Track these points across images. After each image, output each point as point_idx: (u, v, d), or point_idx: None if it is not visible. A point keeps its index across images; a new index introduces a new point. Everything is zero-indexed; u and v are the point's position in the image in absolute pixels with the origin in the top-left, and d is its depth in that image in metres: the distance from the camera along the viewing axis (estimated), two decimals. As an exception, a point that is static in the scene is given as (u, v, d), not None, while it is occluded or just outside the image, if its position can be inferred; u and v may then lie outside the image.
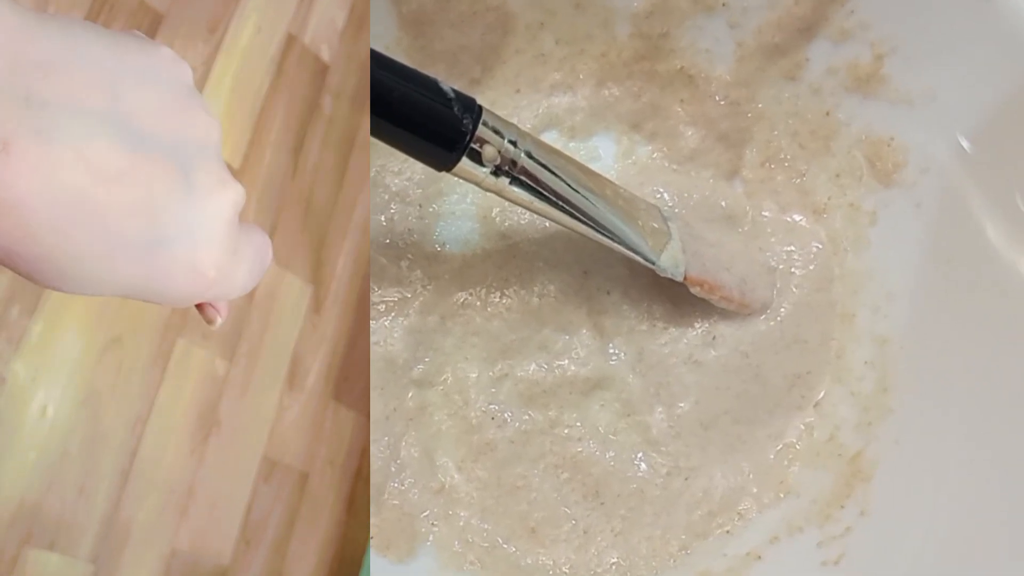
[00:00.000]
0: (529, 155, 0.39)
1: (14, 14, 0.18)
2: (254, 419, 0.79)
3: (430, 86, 0.37)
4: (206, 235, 0.22)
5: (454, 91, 0.37)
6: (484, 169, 0.38)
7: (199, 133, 0.22)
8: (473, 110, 0.38)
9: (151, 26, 0.73)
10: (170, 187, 0.21)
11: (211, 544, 0.74)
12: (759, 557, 0.43)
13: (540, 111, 0.48)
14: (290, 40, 0.86)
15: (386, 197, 0.46)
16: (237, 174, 0.78)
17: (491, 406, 0.45)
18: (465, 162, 0.38)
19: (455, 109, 0.37)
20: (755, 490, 0.44)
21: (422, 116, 0.37)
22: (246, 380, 0.79)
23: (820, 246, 0.47)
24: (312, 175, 0.87)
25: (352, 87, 0.92)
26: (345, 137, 0.91)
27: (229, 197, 0.22)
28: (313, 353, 0.85)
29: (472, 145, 0.38)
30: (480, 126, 0.38)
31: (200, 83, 0.77)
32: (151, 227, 0.20)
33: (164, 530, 0.71)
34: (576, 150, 0.48)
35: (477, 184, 0.39)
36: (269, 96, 0.83)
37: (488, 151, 0.38)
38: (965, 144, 0.43)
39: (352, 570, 0.85)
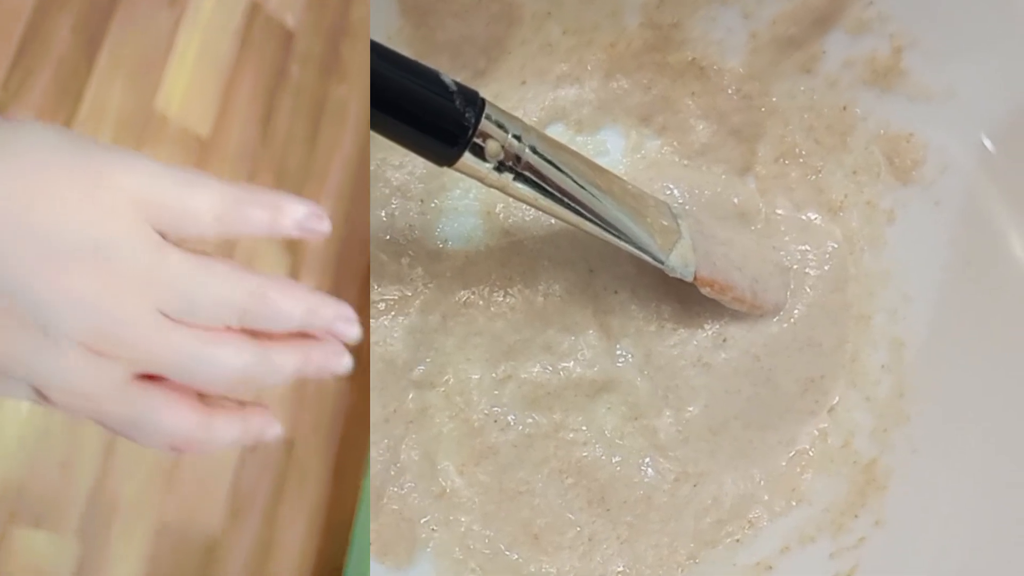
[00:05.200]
0: (534, 150, 0.38)
1: None
2: None
3: (431, 78, 0.36)
4: None
5: (456, 83, 0.36)
6: (487, 165, 0.37)
7: None
8: (476, 103, 0.36)
9: (110, -1, 0.72)
10: None
11: (200, 515, 0.74)
12: (770, 567, 0.41)
13: (546, 104, 0.47)
14: (254, 8, 0.85)
15: (387, 192, 0.45)
16: (206, 146, 0.78)
17: (494, 408, 0.44)
18: (467, 157, 0.37)
19: (457, 102, 0.36)
20: (766, 498, 0.43)
21: (422, 110, 0.36)
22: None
23: (835, 245, 0.45)
24: (283, 144, 0.86)
25: (319, 53, 0.91)
26: (314, 104, 0.90)
27: None
28: (292, 321, 0.85)
29: (475, 140, 0.36)
30: (483, 120, 0.36)
31: (163, 56, 0.75)
32: None
33: (151, 503, 0.71)
34: (583, 144, 0.47)
35: (480, 180, 0.38)
36: (235, 66, 0.82)
37: (491, 146, 0.37)
38: (986, 143, 0.42)
39: (342, 534, 0.85)
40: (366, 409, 0.89)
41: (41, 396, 0.23)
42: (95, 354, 0.22)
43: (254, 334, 0.24)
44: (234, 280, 0.23)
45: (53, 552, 0.65)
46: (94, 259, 0.21)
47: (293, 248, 0.85)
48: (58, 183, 0.21)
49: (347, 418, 0.88)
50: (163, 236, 0.23)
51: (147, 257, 0.22)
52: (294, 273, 0.85)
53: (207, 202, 0.23)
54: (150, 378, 0.23)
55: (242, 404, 0.26)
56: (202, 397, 0.25)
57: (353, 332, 0.25)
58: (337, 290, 0.89)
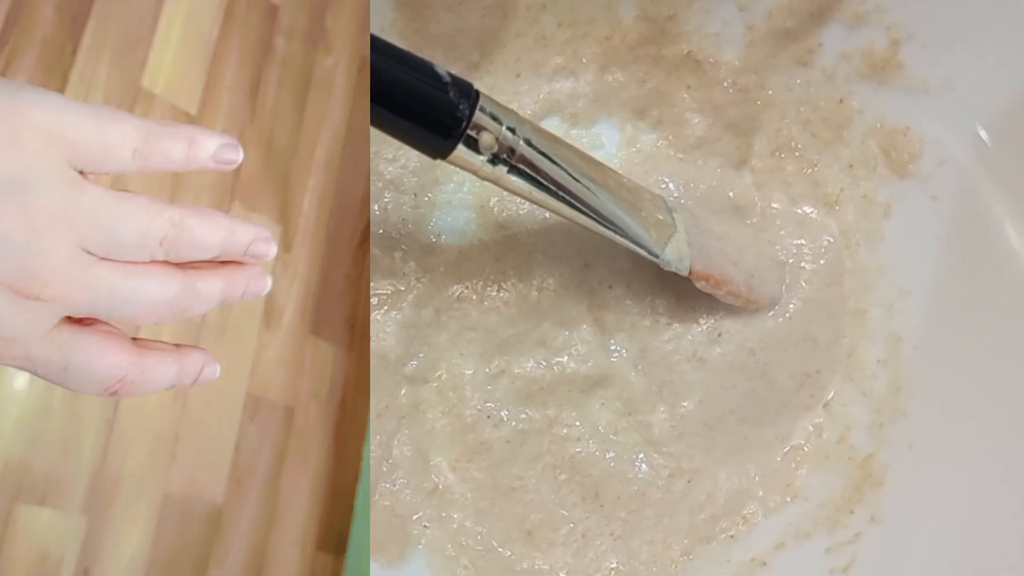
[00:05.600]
0: (528, 143, 0.38)
1: None
2: (235, 360, 0.80)
3: (424, 69, 0.35)
4: None
5: (450, 75, 0.36)
6: (481, 157, 0.37)
7: None
8: (470, 95, 0.36)
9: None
10: None
11: (203, 486, 0.75)
12: (764, 563, 0.41)
13: (541, 97, 0.46)
14: (238, -17, 0.85)
15: (380, 185, 0.44)
16: (194, 121, 0.78)
17: (487, 404, 0.43)
18: (461, 150, 0.36)
19: (451, 94, 0.35)
20: (761, 493, 0.43)
21: (416, 101, 0.35)
22: (223, 323, 0.79)
23: (831, 240, 0.45)
24: (271, 116, 0.87)
25: (304, 26, 0.92)
26: (301, 76, 0.91)
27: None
28: (287, 291, 0.86)
29: (469, 132, 0.36)
30: (477, 112, 0.36)
31: (148, 33, 0.76)
32: None
33: (154, 476, 0.72)
34: (578, 138, 0.46)
35: (474, 173, 0.38)
36: (220, 41, 0.82)
37: (485, 138, 0.36)
38: (984, 135, 0.42)
39: (346, 500, 0.87)
40: (366, 375, 0.90)
41: None
42: (18, 296, 0.21)
43: (177, 266, 0.24)
44: (153, 211, 0.23)
45: (59, 529, 0.66)
46: (9, 196, 0.21)
47: (284, 220, 0.86)
48: None
49: (346, 384, 0.89)
50: (82, 174, 0.22)
51: (64, 193, 0.22)
52: (285, 245, 0.85)
53: (123, 136, 0.22)
54: (80, 322, 0.23)
55: (177, 346, 0.25)
56: (136, 340, 0.24)
57: (270, 250, 0.25)
58: (330, 260, 0.90)
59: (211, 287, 0.24)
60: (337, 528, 0.86)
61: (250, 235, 0.25)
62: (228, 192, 0.81)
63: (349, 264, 0.91)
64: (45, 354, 0.22)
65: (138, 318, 0.23)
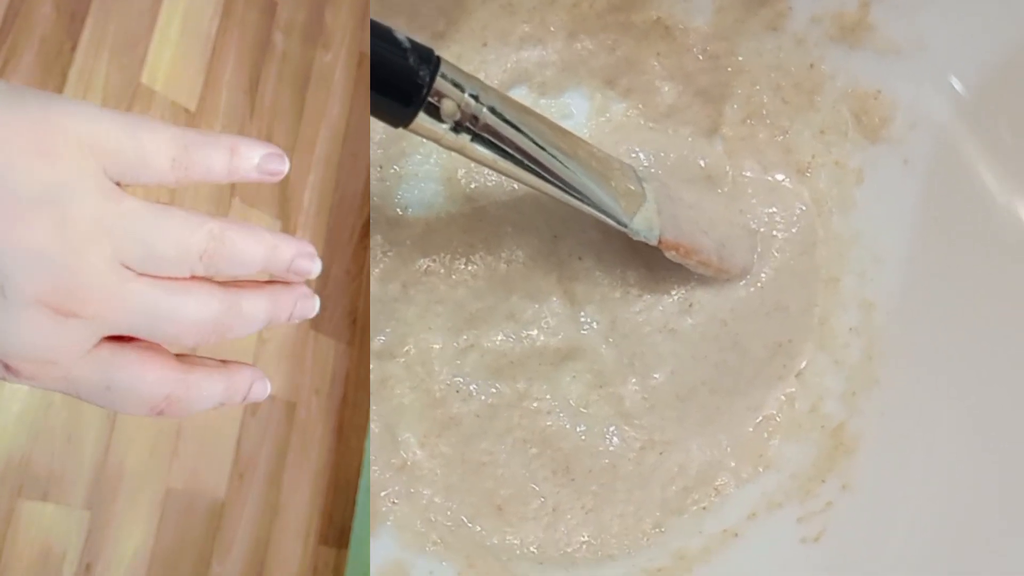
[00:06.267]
0: (492, 110, 0.37)
1: None
2: (235, 356, 0.79)
3: (383, 35, 0.34)
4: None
5: (410, 40, 0.35)
6: (443, 125, 0.36)
7: None
8: (430, 61, 0.35)
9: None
10: None
11: (205, 481, 0.76)
12: (736, 534, 0.41)
13: (508, 66, 0.45)
14: (237, -21, 0.84)
15: (344, 158, 0.44)
16: (193, 118, 0.78)
17: (456, 378, 0.43)
18: (423, 117, 0.35)
19: (410, 60, 0.35)
20: (733, 464, 0.42)
21: (375, 67, 0.34)
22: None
23: (804, 207, 0.45)
24: (270, 112, 0.87)
25: (302, 22, 0.92)
26: (300, 73, 0.90)
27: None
28: (287, 287, 0.86)
29: (429, 99, 0.35)
30: (438, 78, 0.35)
31: (147, 30, 0.75)
32: None
33: (156, 471, 0.72)
34: (547, 108, 0.45)
35: (436, 141, 0.37)
36: (219, 37, 0.82)
37: (447, 106, 0.35)
38: (956, 86, 0.41)
39: (348, 494, 0.88)
40: (367, 370, 0.90)
41: (5, 368, 0.21)
42: (57, 314, 0.20)
43: (221, 285, 0.23)
44: (193, 223, 0.22)
45: (61, 524, 0.66)
46: (47, 209, 0.20)
47: (284, 215, 0.85)
48: (3, 131, 0.20)
49: (348, 379, 0.90)
50: (120, 185, 0.21)
51: (101, 204, 0.21)
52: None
53: (161, 146, 0.22)
54: (119, 340, 0.22)
55: (224, 362, 0.24)
56: (180, 357, 0.23)
57: (315, 267, 0.24)
58: (330, 255, 0.90)
59: (255, 306, 0.23)
60: (339, 522, 0.86)
61: (292, 250, 0.24)
62: (228, 188, 0.81)
63: (349, 259, 0.92)
64: (86, 375, 0.22)
65: (179, 337, 0.22)
